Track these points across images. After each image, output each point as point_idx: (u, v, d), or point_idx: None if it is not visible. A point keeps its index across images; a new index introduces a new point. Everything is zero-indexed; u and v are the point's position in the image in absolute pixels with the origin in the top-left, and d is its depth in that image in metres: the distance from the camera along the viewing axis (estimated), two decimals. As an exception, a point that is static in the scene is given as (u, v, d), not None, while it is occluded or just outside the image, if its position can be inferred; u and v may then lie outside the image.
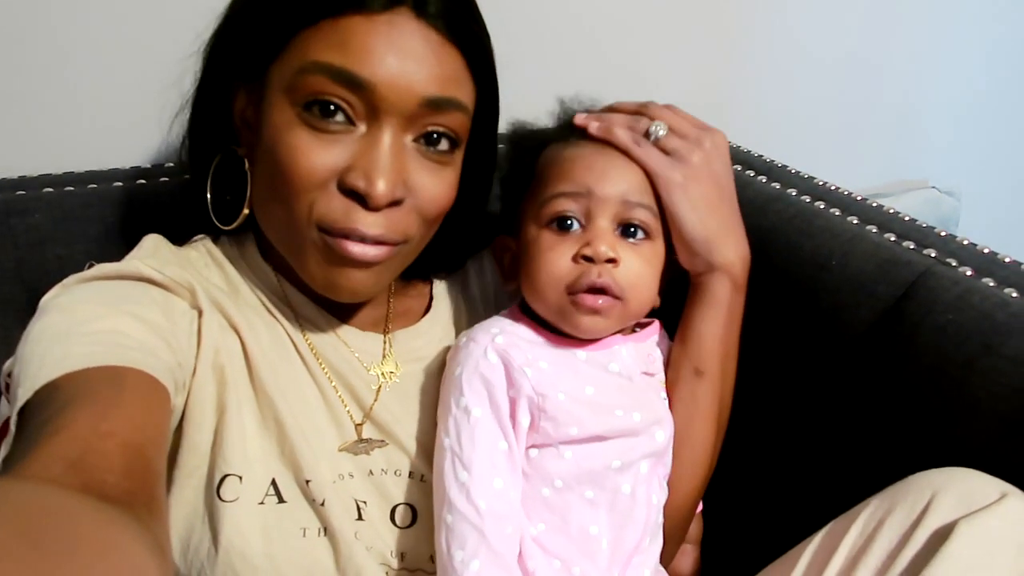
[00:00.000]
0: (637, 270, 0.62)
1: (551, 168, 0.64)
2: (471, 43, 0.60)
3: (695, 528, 0.73)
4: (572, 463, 0.60)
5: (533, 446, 0.60)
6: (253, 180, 0.62)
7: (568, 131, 0.65)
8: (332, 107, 0.56)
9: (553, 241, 0.62)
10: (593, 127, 0.67)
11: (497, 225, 0.69)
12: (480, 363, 0.60)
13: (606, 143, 0.65)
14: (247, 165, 0.62)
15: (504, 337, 0.61)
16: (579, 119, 0.68)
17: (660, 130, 0.67)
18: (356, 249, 0.58)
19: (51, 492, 0.38)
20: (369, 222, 0.57)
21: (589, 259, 0.61)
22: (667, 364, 0.69)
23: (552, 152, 0.66)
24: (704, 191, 0.66)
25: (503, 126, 0.69)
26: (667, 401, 0.67)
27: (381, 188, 0.56)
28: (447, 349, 0.69)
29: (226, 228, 0.65)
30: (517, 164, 0.68)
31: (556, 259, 0.61)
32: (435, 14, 0.57)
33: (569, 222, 0.62)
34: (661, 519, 0.65)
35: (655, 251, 0.64)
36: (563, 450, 0.60)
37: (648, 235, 0.63)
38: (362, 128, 0.57)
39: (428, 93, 0.57)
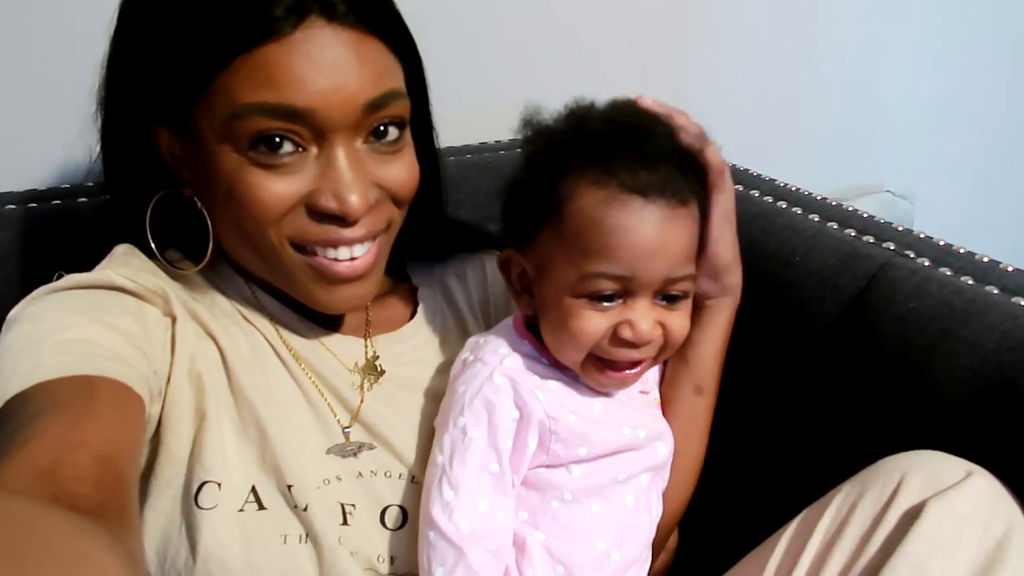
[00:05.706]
0: (678, 328, 0.60)
1: (590, 232, 0.57)
2: (385, 24, 0.57)
3: (672, 538, 0.74)
4: (580, 478, 0.60)
5: (541, 466, 0.60)
6: (213, 219, 0.60)
7: (607, 174, 0.57)
8: (277, 139, 0.54)
9: (589, 314, 0.58)
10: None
11: (498, 236, 0.66)
12: (485, 385, 0.59)
13: (649, 199, 0.56)
14: (199, 204, 0.60)
15: (512, 359, 0.61)
16: (645, 102, 0.64)
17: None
18: (344, 268, 0.59)
19: (21, 503, 0.38)
20: (352, 229, 0.58)
21: (629, 342, 0.58)
22: (661, 381, 0.70)
23: (589, 204, 0.57)
24: (733, 217, 0.67)
25: (514, 120, 0.65)
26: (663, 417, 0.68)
27: (355, 203, 0.56)
28: (433, 354, 0.70)
29: (197, 267, 0.62)
30: (537, 183, 0.60)
31: (590, 334, 0.58)
32: (345, 12, 0.54)
33: (608, 293, 0.58)
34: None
35: (690, 304, 0.62)
36: (572, 468, 0.60)
37: (686, 296, 0.61)
38: (313, 150, 0.56)
39: (367, 97, 0.55)
